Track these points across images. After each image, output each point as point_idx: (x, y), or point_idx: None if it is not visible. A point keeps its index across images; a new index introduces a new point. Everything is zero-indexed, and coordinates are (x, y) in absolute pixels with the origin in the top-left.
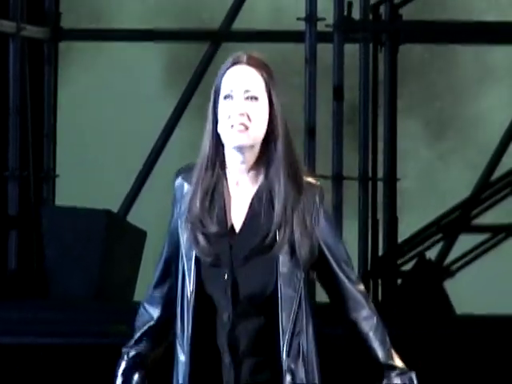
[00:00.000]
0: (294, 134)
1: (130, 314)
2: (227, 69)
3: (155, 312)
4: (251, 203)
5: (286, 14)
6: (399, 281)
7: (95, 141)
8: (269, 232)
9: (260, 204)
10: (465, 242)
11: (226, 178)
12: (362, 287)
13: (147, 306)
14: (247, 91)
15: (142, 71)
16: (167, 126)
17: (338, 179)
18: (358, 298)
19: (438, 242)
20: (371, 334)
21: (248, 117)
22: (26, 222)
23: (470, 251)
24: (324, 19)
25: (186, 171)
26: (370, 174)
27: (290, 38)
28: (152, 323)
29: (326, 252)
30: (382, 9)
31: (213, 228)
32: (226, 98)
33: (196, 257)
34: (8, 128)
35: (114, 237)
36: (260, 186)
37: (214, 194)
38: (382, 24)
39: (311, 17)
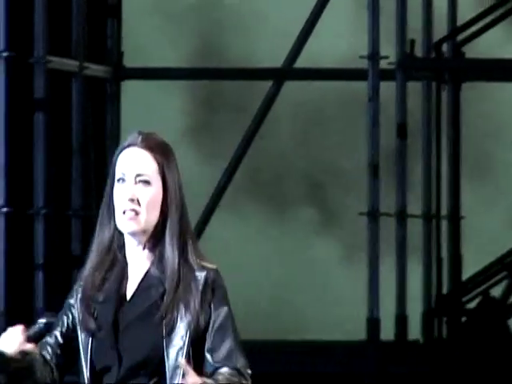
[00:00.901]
0: (358, 172)
1: None
2: (121, 150)
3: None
4: (144, 276)
5: (349, 52)
6: (464, 319)
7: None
8: (157, 303)
9: (152, 278)
10: None
11: (125, 256)
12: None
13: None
14: (138, 175)
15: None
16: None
17: (401, 217)
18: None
19: (502, 279)
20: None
21: (138, 202)
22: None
23: None
24: (387, 57)
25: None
26: (434, 212)
27: (352, 75)
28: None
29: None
30: (444, 47)
31: (100, 297)
32: (118, 181)
33: (87, 333)
34: (71, 167)
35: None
36: (154, 264)
37: (110, 271)
38: (444, 62)
39: (374, 55)
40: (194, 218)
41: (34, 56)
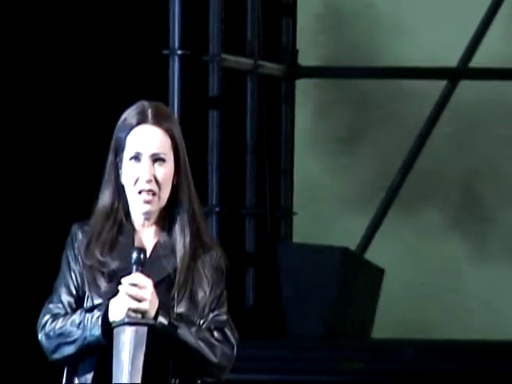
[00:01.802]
0: None
1: (365, 352)
2: (132, 127)
3: None
4: (155, 246)
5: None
6: None
7: (334, 176)
8: (171, 273)
9: (163, 249)
10: None
11: (131, 222)
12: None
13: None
14: (155, 154)
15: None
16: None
17: None
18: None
19: None
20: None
21: (156, 181)
22: (263, 259)
23: None
24: None
25: (80, 222)
26: None
27: None
28: None
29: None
30: None
31: (113, 264)
32: (131, 159)
33: (100, 297)
34: (245, 166)
35: (351, 274)
36: (164, 237)
37: (119, 237)
38: None
39: None
40: (365, 219)
41: (209, 54)
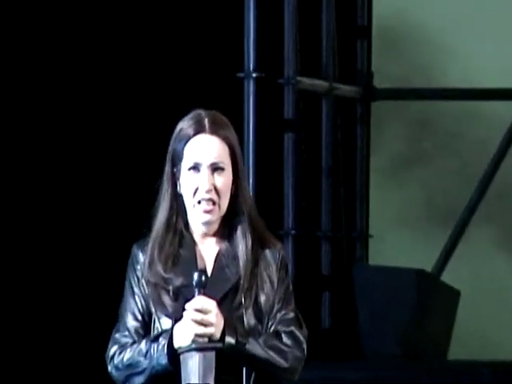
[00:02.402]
0: None
1: (442, 373)
2: (190, 137)
3: None
4: (217, 257)
5: None
6: None
7: (407, 197)
8: (235, 283)
9: (225, 258)
10: None
11: (190, 234)
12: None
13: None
14: (214, 164)
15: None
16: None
17: None
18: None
19: None
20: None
21: (216, 190)
22: (339, 281)
23: None
24: None
25: (139, 242)
26: None
27: None
28: None
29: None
30: None
31: (177, 281)
32: (190, 169)
33: (167, 316)
34: (321, 188)
35: (426, 296)
36: (225, 245)
37: (180, 250)
38: None
39: None
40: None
41: (284, 77)
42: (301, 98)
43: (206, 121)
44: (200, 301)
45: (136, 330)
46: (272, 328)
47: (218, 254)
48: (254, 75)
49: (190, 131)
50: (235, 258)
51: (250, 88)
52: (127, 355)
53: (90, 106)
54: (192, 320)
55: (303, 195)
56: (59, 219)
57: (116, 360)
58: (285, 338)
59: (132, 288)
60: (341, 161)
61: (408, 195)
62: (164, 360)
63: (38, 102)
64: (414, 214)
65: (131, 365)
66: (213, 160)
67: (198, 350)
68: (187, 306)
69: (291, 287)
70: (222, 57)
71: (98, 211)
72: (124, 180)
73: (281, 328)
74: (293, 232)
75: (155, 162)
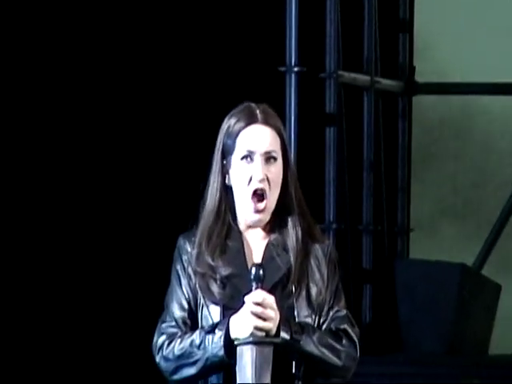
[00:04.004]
0: None
1: (484, 368)
2: (242, 128)
3: None
4: (266, 248)
5: None
6: None
7: (449, 193)
8: (286, 272)
9: (275, 249)
10: None
11: (237, 225)
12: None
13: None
14: (267, 153)
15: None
16: None
17: None
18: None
19: None
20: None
21: (268, 181)
22: (380, 275)
23: None
24: None
25: (185, 234)
26: None
27: None
28: None
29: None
30: None
31: (225, 271)
32: (243, 158)
33: (215, 304)
34: (362, 182)
35: (469, 291)
36: (275, 236)
37: (227, 241)
38: None
39: None
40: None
41: (326, 71)
42: (342, 92)
43: (258, 112)
44: (260, 294)
45: (183, 320)
46: (325, 325)
47: (267, 245)
48: (295, 69)
49: (242, 122)
50: (285, 248)
51: (292, 82)
52: (177, 345)
53: (134, 103)
54: (252, 313)
55: (345, 189)
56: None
57: (165, 350)
58: (339, 337)
59: (179, 278)
60: (382, 155)
61: (450, 189)
62: (221, 352)
63: (57, 101)
64: (455, 208)
65: (183, 355)
66: (266, 149)
67: (256, 343)
68: (246, 298)
69: (340, 284)
70: (263, 51)
71: (142, 206)
72: (170, 176)
73: (334, 326)
74: (334, 226)
75: (201, 157)
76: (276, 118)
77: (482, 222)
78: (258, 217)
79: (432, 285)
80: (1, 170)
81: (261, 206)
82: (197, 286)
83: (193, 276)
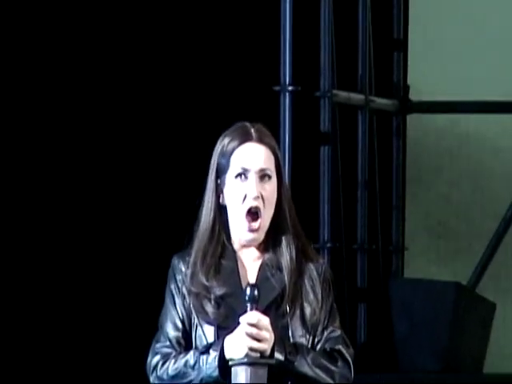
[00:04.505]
0: None
1: None
2: (236, 146)
3: None
4: (260, 268)
5: None
6: None
7: (443, 212)
8: (280, 293)
9: (269, 269)
10: None
11: (232, 245)
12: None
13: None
14: (262, 170)
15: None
16: None
17: None
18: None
19: None
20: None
21: (262, 199)
22: (375, 294)
23: None
24: None
25: (180, 253)
26: None
27: None
28: None
29: None
30: None
31: (219, 291)
32: (237, 176)
33: (210, 324)
34: (356, 201)
35: (463, 309)
36: (268, 255)
37: (221, 260)
38: None
39: None
40: (475, 254)
41: (320, 90)
42: (337, 110)
43: (253, 130)
44: (255, 316)
45: (177, 340)
46: (319, 345)
47: (261, 264)
48: (289, 88)
49: (236, 141)
50: (279, 267)
51: (286, 101)
52: (172, 366)
53: (130, 116)
54: (247, 334)
55: (339, 208)
56: (97, 233)
57: (159, 371)
58: (333, 358)
59: (173, 298)
60: (377, 173)
61: (443, 207)
62: (215, 372)
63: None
64: (449, 226)
65: (177, 376)
66: (261, 166)
67: (250, 364)
68: (241, 319)
69: (335, 304)
70: (257, 70)
71: (136, 224)
72: (163, 195)
73: (328, 346)
74: (328, 245)
75: (196, 176)
76: (270, 137)
77: (477, 240)
78: (252, 236)
79: (427, 303)
80: (1, 170)
81: (255, 225)
82: (191, 305)
83: (187, 296)
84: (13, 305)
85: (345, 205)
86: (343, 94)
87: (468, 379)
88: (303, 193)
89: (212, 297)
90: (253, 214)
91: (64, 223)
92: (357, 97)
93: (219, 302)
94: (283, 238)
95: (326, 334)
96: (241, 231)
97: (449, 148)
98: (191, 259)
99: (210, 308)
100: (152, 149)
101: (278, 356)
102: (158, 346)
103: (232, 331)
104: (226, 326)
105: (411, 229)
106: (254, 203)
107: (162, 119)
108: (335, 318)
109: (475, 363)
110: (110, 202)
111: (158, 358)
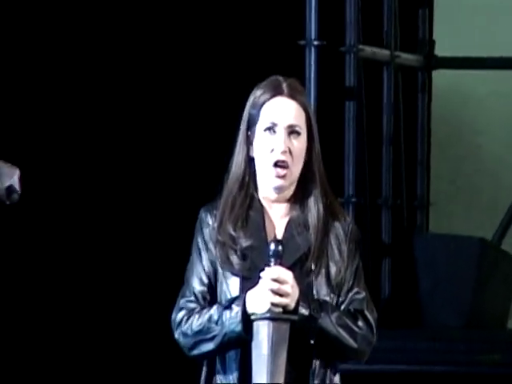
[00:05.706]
0: None
1: (503, 343)
2: (267, 100)
3: None
4: (287, 225)
5: None
6: None
7: (470, 167)
8: (306, 251)
9: (296, 227)
10: None
11: (259, 199)
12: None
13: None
14: (290, 126)
15: None
16: None
17: None
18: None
19: None
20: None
21: (290, 153)
22: (399, 249)
23: None
24: None
25: (207, 206)
26: None
27: None
28: None
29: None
30: None
31: (245, 243)
32: (266, 130)
33: (234, 275)
34: (381, 157)
35: (488, 265)
36: (296, 213)
37: (249, 212)
38: None
39: None
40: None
41: (345, 45)
42: (362, 66)
43: (285, 85)
44: (277, 271)
45: (203, 295)
46: (343, 306)
47: (288, 221)
48: (315, 43)
49: (268, 94)
50: (306, 225)
51: (312, 56)
52: (196, 321)
53: (153, 97)
54: (269, 289)
55: (364, 163)
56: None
57: (184, 326)
58: (356, 319)
59: (199, 252)
60: (402, 129)
61: (468, 163)
62: (238, 327)
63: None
64: (474, 181)
65: (201, 331)
66: (290, 122)
67: (272, 319)
68: (264, 274)
69: (361, 264)
70: (283, 25)
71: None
72: (195, 151)
73: (352, 307)
74: (353, 200)
75: (224, 134)
76: (303, 93)
77: (502, 196)
78: (279, 182)
79: (452, 259)
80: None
81: (282, 171)
82: (217, 255)
83: (213, 249)
84: (16, 299)
85: (370, 160)
86: (368, 50)
87: (491, 335)
88: (328, 148)
89: (238, 247)
90: (280, 166)
91: (76, 201)
92: (382, 52)
93: (245, 253)
94: (311, 195)
95: (350, 294)
96: (268, 179)
97: (474, 104)
98: (220, 208)
99: (235, 259)
100: (179, 108)
101: (303, 311)
102: (182, 301)
103: (256, 285)
104: (250, 278)
105: (436, 184)
106: (282, 157)
107: (188, 78)
108: (361, 279)
109: (499, 319)
110: (136, 160)
111: (182, 313)
